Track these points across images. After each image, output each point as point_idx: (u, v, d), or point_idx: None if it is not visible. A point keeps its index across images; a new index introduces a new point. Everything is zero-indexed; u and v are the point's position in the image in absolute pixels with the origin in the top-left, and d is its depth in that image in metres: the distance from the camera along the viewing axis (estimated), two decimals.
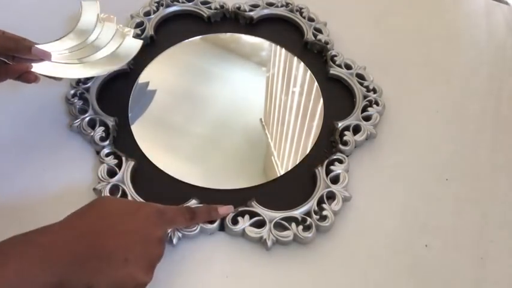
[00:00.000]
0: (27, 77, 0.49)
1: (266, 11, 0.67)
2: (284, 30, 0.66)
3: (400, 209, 0.51)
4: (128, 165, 0.51)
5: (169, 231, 0.46)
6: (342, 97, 0.59)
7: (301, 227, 0.47)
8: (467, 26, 0.69)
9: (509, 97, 0.61)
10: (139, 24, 0.64)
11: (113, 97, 0.58)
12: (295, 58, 0.63)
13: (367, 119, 0.56)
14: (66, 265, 0.35)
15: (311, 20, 0.66)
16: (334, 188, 0.50)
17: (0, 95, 0.57)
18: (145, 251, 0.39)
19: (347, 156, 0.53)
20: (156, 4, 0.67)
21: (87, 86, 0.57)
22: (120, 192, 0.49)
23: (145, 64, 0.61)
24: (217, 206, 0.48)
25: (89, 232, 0.37)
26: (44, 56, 0.50)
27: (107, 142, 0.53)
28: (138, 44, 0.58)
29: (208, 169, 0.54)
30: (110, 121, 0.54)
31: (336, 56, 0.62)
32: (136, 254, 0.38)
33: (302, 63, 0.62)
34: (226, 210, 0.48)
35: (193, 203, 0.49)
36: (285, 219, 0.48)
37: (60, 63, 0.52)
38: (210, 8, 0.67)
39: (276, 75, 0.63)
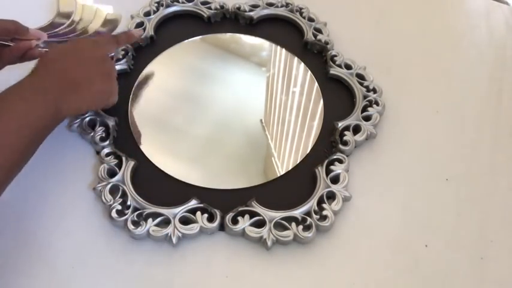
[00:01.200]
0: (32, 53, 0.52)
1: (266, 11, 0.67)
2: (284, 30, 0.66)
3: (400, 209, 0.51)
4: (127, 165, 0.51)
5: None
6: (342, 97, 0.59)
7: (301, 226, 0.47)
8: (467, 26, 0.70)
9: (509, 97, 0.61)
10: (140, 24, 0.64)
11: None
12: (295, 58, 0.63)
13: (367, 119, 0.56)
14: (55, 96, 0.44)
15: (311, 20, 0.66)
16: (334, 188, 0.50)
17: None
18: (99, 70, 0.49)
19: (347, 156, 0.53)
20: (156, 4, 0.67)
21: None
22: (120, 192, 0.49)
23: (145, 64, 0.61)
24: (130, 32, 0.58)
25: (61, 72, 0.46)
26: (41, 36, 0.54)
27: (107, 142, 0.53)
28: (118, 15, 0.63)
29: (209, 169, 0.54)
30: (110, 121, 0.54)
31: (336, 56, 0.62)
32: (95, 76, 0.49)
33: (302, 64, 0.62)
34: (137, 31, 0.59)
35: (193, 203, 0.49)
36: (285, 219, 0.48)
37: (58, 40, 0.57)
38: (210, 8, 0.67)
39: (276, 75, 0.63)
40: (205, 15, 0.66)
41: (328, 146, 0.55)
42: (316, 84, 0.60)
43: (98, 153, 0.53)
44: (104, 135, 0.53)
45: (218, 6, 0.67)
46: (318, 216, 0.48)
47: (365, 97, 0.58)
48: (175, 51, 0.63)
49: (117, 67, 0.59)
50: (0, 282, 0.45)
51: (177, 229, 0.47)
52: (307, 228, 0.47)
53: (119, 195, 0.49)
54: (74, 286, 0.45)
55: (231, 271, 0.46)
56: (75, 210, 0.49)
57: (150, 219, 0.47)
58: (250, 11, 0.66)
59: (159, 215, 0.48)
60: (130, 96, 0.58)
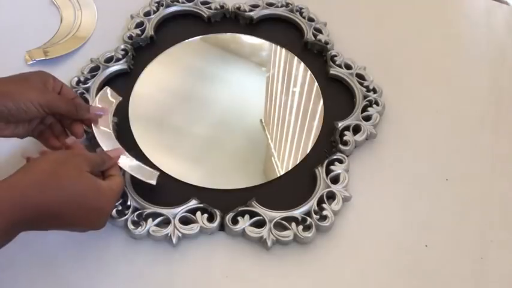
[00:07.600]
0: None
1: (266, 11, 0.67)
2: (284, 30, 0.66)
3: (400, 209, 0.51)
4: None
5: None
6: (342, 97, 0.59)
7: (301, 227, 0.47)
8: (467, 26, 0.70)
9: (509, 97, 0.61)
10: (140, 24, 0.64)
11: None
12: (295, 58, 0.63)
13: (367, 119, 0.56)
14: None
15: (311, 20, 0.66)
16: (334, 188, 0.50)
17: None
18: (96, 220, 0.42)
19: (347, 156, 0.53)
20: (156, 4, 0.66)
21: (87, 86, 0.57)
22: None
23: (146, 64, 0.61)
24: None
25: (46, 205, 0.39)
26: (102, 111, 0.51)
27: None
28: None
29: (209, 169, 0.54)
30: None
31: (336, 56, 0.62)
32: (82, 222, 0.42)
33: (302, 63, 0.62)
34: (117, 152, 0.48)
35: (193, 203, 0.49)
36: (285, 219, 0.48)
37: None
38: (210, 8, 0.67)
39: (276, 75, 0.63)
40: (205, 15, 0.66)
41: (328, 146, 0.55)
42: (316, 84, 0.60)
43: None
44: None
45: (218, 6, 0.67)
46: (318, 216, 0.48)
47: (365, 97, 0.58)
48: (175, 51, 0.63)
49: (117, 67, 0.59)
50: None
51: (177, 229, 0.47)
52: (307, 228, 0.47)
53: None
54: (73, 286, 0.45)
55: (231, 271, 0.46)
56: None
57: (150, 219, 0.47)
58: (250, 11, 0.66)
59: (159, 215, 0.48)
60: (130, 96, 0.58)
